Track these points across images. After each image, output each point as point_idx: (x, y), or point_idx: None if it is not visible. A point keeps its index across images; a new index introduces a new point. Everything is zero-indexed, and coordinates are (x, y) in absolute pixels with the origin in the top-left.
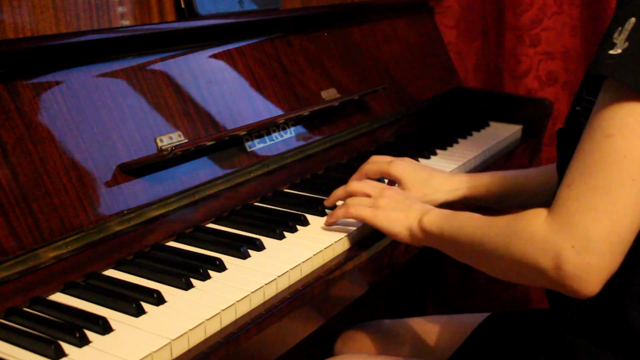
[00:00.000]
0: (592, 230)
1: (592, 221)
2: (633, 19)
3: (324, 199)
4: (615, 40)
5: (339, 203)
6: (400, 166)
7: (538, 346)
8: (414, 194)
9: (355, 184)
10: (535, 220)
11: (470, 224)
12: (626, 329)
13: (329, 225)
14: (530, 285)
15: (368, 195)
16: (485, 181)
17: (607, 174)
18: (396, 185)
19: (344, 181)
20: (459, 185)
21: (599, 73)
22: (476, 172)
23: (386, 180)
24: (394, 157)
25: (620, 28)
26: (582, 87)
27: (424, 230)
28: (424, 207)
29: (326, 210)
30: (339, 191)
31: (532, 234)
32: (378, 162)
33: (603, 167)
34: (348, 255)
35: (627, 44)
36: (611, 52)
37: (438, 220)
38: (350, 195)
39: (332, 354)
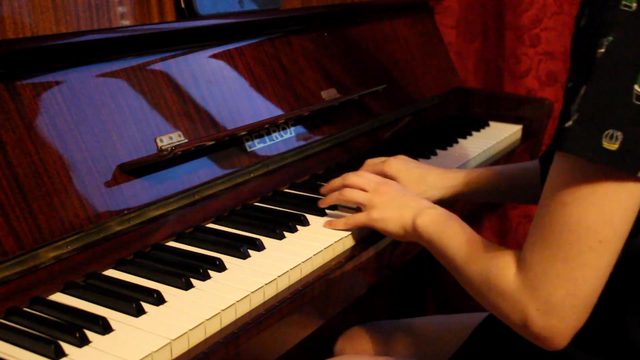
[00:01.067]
0: (555, 296)
1: (554, 286)
2: (584, 88)
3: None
4: (571, 111)
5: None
6: (395, 164)
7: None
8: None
9: (351, 177)
10: (506, 274)
11: (456, 241)
12: (625, 339)
13: (322, 206)
14: None
15: (364, 190)
16: (480, 177)
17: (565, 242)
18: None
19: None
20: (454, 182)
21: (558, 149)
22: (472, 168)
23: None
24: (388, 157)
25: (575, 97)
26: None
27: (416, 232)
28: (419, 204)
29: (326, 210)
30: (336, 181)
31: (503, 290)
32: (373, 164)
33: (561, 235)
34: (348, 255)
35: (577, 113)
36: (566, 124)
37: (430, 226)
38: (346, 187)
39: (332, 354)
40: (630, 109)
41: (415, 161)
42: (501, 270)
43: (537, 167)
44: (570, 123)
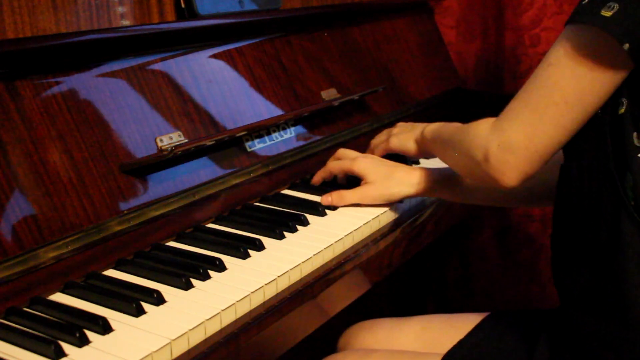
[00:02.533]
0: (515, 136)
1: (517, 129)
2: None
3: None
4: None
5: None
6: (363, 163)
7: (538, 345)
8: (378, 188)
9: (372, 141)
10: (483, 122)
11: (451, 128)
12: (626, 303)
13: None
14: (475, 180)
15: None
16: (448, 175)
17: (538, 96)
18: (361, 182)
19: (346, 183)
20: (421, 179)
21: (567, 21)
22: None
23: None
24: (359, 154)
25: None
26: None
27: (423, 136)
28: (419, 126)
29: (327, 211)
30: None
31: (475, 132)
32: (342, 160)
33: (537, 89)
34: (348, 256)
35: None
36: (578, 5)
37: (433, 129)
38: (373, 147)
39: (332, 354)
40: None
41: (384, 160)
42: (481, 122)
43: None
44: (583, 2)
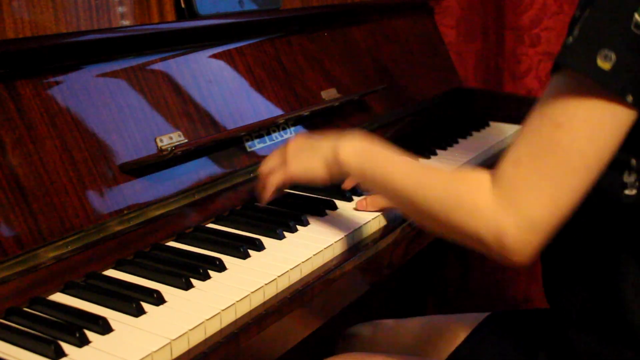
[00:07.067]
0: (537, 212)
1: (537, 203)
2: (587, 11)
3: (324, 199)
4: (573, 32)
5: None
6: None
7: (538, 344)
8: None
9: (260, 168)
10: (479, 191)
11: (400, 172)
12: (625, 323)
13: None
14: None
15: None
16: None
17: (553, 162)
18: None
19: (343, 182)
20: None
21: (555, 61)
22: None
23: None
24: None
25: (579, 20)
26: None
27: (342, 168)
28: (334, 139)
29: (327, 211)
30: (261, 190)
31: (475, 206)
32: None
33: (550, 154)
34: (348, 255)
35: (579, 31)
36: (567, 42)
37: (356, 155)
38: (265, 178)
39: (332, 354)
40: (628, 34)
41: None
42: (473, 186)
43: None
44: (570, 40)
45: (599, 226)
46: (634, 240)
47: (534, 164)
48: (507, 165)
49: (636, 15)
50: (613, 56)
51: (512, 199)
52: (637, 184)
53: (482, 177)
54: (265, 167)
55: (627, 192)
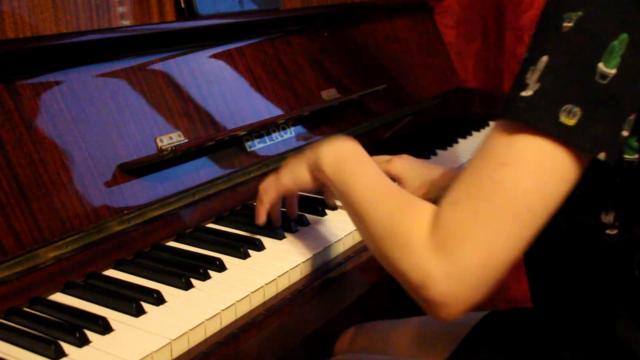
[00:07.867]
0: (469, 260)
1: (469, 252)
2: (545, 58)
3: (324, 200)
4: (527, 81)
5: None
6: (399, 164)
7: (537, 344)
8: (415, 192)
9: (258, 188)
10: (418, 225)
11: (361, 186)
12: (613, 340)
13: (260, 224)
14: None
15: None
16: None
17: (493, 205)
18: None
19: None
20: None
21: (512, 118)
22: None
23: None
24: (392, 156)
25: (532, 67)
26: None
27: (319, 170)
28: (318, 146)
29: (326, 211)
30: (257, 205)
31: (407, 241)
32: (377, 162)
33: (491, 196)
34: (348, 255)
35: (538, 84)
36: (523, 94)
37: (330, 163)
38: (261, 196)
39: (332, 354)
40: (591, 87)
41: (419, 160)
42: (413, 220)
43: None
44: (530, 93)
45: (589, 269)
46: (624, 278)
47: (471, 206)
48: (444, 207)
49: (600, 65)
50: (578, 111)
51: (445, 243)
52: (616, 223)
53: (427, 211)
54: (261, 185)
55: (608, 231)
